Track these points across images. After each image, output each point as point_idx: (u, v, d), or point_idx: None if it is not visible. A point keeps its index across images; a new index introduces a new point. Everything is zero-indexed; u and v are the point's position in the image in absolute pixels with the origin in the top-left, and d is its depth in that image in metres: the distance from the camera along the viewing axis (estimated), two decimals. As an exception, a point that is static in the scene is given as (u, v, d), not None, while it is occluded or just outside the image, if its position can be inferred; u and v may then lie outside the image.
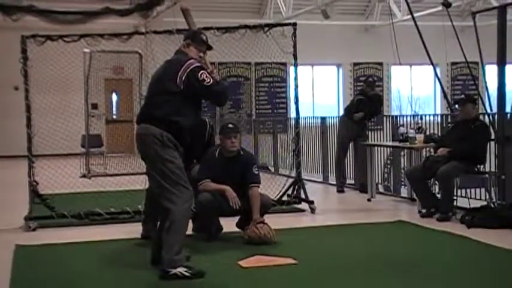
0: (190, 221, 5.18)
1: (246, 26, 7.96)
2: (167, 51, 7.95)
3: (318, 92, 22.50)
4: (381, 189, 9.92)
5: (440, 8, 10.32)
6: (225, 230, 6.38)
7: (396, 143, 8.83)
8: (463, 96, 7.80)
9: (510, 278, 4.80)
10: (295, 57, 8.00)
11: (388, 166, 10.46)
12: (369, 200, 8.86)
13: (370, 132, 10.37)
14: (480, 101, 8.59)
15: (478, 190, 7.84)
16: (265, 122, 16.60)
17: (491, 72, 8.92)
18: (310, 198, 8.03)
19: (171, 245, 4.71)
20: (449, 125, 8.58)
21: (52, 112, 11.15)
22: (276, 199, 7.83)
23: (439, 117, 9.39)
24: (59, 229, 7.06)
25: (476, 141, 7.21)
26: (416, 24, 8.95)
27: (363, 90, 10.28)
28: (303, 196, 8.08)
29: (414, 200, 8.11)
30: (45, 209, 7.29)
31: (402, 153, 9.38)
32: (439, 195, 7.42)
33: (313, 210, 7.90)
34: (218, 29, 7.71)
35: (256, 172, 6.26)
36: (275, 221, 6.91)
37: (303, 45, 8.37)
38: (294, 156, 8.33)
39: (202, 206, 5.88)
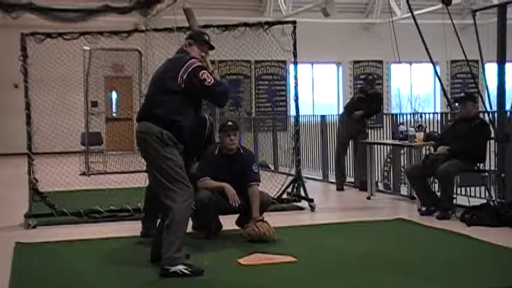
0: (189, 218, 5.17)
1: (245, 24, 7.95)
2: (167, 49, 7.96)
3: (318, 90, 22.49)
4: (380, 187, 9.93)
5: (440, 6, 10.32)
6: (224, 227, 6.38)
7: (396, 141, 8.82)
8: (463, 94, 7.81)
9: (510, 276, 4.80)
10: (295, 55, 8.00)
11: (388, 164, 10.47)
12: (368, 198, 8.86)
13: (370, 130, 10.37)
14: (480, 99, 8.60)
15: (477, 188, 7.85)
16: (265, 120, 16.60)
17: (491, 70, 8.93)
18: (310, 196, 8.03)
19: (171, 243, 4.71)
20: (449, 123, 8.58)
21: (52, 110, 11.14)
22: (275, 197, 7.83)
23: (439, 115, 9.40)
24: (59, 227, 7.06)
25: (476, 139, 7.21)
26: (416, 22, 8.95)
27: (363, 88, 10.29)
28: (302, 194, 8.08)
29: (414, 198, 8.12)
30: (45, 207, 7.29)
31: (402, 151, 9.38)
32: (438, 194, 7.42)
33: (312, 208, 7.90)
34: (218, 26, 7.71)
35: (256, 171, 6.26)
36: (275, 219, 6.91)
37: (302, 44, 8.37)
38: (293, 154, 8.33)
39: (202, 203, 5.87)
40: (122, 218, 7.29)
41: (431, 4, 17.35)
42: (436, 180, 7.53)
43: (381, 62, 22.34)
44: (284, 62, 20.09)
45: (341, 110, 13.00)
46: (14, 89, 16.67)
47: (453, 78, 22.98)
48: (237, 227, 6.35)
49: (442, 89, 15.13)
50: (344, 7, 20.55)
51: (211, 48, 5.29)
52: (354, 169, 10.33)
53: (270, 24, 8.17)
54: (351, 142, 10.09)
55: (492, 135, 7.57)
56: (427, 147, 8.13)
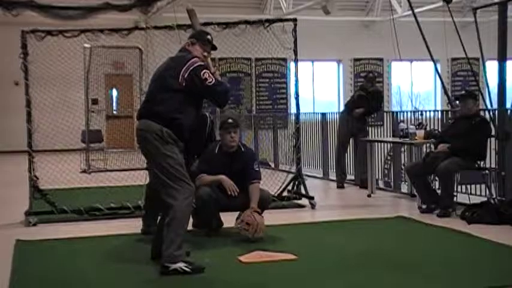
0: (190, 216, 5.17)
1: (246, 22, 7.95)
2: (167, 46, 7.97)
3: (318, 88, 22.49)
4: (381, 185, 9.93)
5: (441, 3, 10.30)
6: (225, 225, 6.38)
7: (396, 139, 8.82)
8: (463, 92, 7.82)
9: (510, 274, 4.80)
10: (295, 52, 7.99)
11: (388, 162, 10.47)
12: (369, 195, 8.87)
13: (370, 128, 10.37)
14: (481, 97, 8.59)
15: (478, 186, 7.85)
16: (266, 117, 16.60)
17: (491, 68, 8.91)
18: (310, 193, 8.03)
19: (171, 240, 4.71)
20: (449, 120, 8.57)
21: (52, 107, 11.15)
22: (276, 195, 7.84)
23: (440, 113, 9.40)
24: (59, 224, 7.07)
25: (476, 137, 7.21)
26: (416, 20, 8.94)
27: (363, 86, 10.28)
28: (303, 192, 8.08)
29: (414, 195, 8.12)
30: (46, 204, 7.29)
31: (402, 149, 9.38)
32: (439, 191, 7.42)
33: (313, 206, 7.91)
34: (218, 24, 7.71)
35: (257, 169, 6.26)
36: (275, 217, 6.92)
37: (303, 41, 8.36)
38: (294, 152, 8.33)
39: (202, 200, 5.87)
40: (123, 215, 7.29)
41: (432, 2, 17.33)
42: (437, 178, 7.53)
43: (381, 59, 22.33)
44: (284, 59, 20.09)
45: (341, 108, 12.99)
46: (14, 86, 16.67)
47: (454, 76, 22.97)
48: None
49: (443, 86, 15.10)
50: (344, 5, 20.54)
51: (214, 48, 5.30)
52: (354, 167, 10.32)
53: (271, 21, 8.18)
54: (351, 140, 10.08)
55: (492, 133, 7.57)
56: (428, 145, 8.13)
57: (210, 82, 4.87)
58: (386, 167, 10.64)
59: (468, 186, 7.73)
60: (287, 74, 20.86)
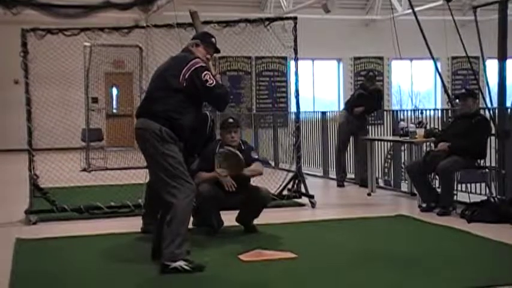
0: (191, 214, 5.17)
1: (246, 20, 7.95)
2: (168, 45, 7.97)
3: (319, 87, 22.50)
4: (381, 183, 9.93)
5: (441, 2, 10.32)
6: (225, 224, 6.37)
7: (396, 138, 8.82)
8: (463, 90, 7.80)
9: (510, 273, 4.80)
10: (295, 51, 7.99)
11: (389, 160, 10.47)
12: (369, 194, 8.87)
13: (370, 127, 10.37)
14: (481, 96, 8.59)
15: (478, 185, 7.85)
16: (266, 116, 16.60)
17: (491, 66, 8.91)
18: (311, 192, 8.03)
19: (172, 239, 4.71)
20: (449, 119, 8.57)
21: (52, 106, 11.13)
22: (276, 193, 7.84)
23: (440, 111, 9.39)
24: (60, 223, 7.07)
25: (476, 135, 7.21)
26: (417, 19, 8.93)
27: (364, 85, 10.28)
28: (303, 190, 8.08)
29: (414, 194, 8.12)
30: (46, 203, 7.29)
31: (402, 147, 9.39)
32: (439, 190, 7.42)
33: (313, 205, 7.91)
34: (219, 22, 7.71)
35: (256, 156, 6.30)
36: (275, 216, 6.94)
37: (303, 40, 8.36)
38: (294, 151, 8.33)
39: (202, 197, 5.85)
40: (123, 214, 7.30)
41: (432, 0, 17.33)
42: (437, 177, 7.53)
43: (381, 58, 22.33)
44: (285, 58, 20.09)
45: (342, 107, 12.99)
46: (14, 85, 16.66)
47: (454, 74, 22.97)
48: (237, 224, 6.35)
49: (443, 85, 15.13)
50: (344, 3, 20.54)
51: (217, 51, 5.28)
52: (354, 165, 10.32)
53: (271, 20, 8.17)
54: (351, 138, 10.08)
55: (493, 131, 7.57)
56: (428, 143, 8.12)
57: (210, 84, 4.86)
58: (386, 165, 10.64)
59: (468, 185, 7.73)
60: (287, 72, 20.87)
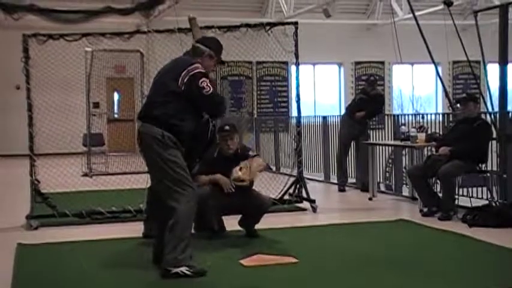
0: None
1: (247, 25, 7.95)
2: (169, 50, 7.97)
3: (320, 91, 22.51)
4: (382, 188, 9.92)
5: (441, 6, 10.31)
6: (226, 228, 6.37)
7: (398, 142, 8.82)
8: (464, 95, 7.82)
9: (511, 277, 4.79)
10: (296, 56, 8.00)
11: (390, 165, 10.46)
12: (370, 199, 8.86)
13: (371, 131, 10.37)
14: (482, 100, 8.59)
15: (479, 189, 7.84)
16: (267, 121, 16.60)
17: (492, 71, 8.91)
18: (312, 197, 8.03)
19: (175, 245, 4.69)
20: (450, 123, 8.57)
21: (54, 111, 11.16)
22: (277, 198, 7.84)
23: (441, 116, 9.39)
24: (61, 228, 7.06)
25: (477, 140, 7.21)
26: (417, 23, 8.94)
27: (365, 89, 10.29)
28: (304, 195, 8.07)
29: (416, 199, 8.11)
30: (47, 208, 7.29)
31: (404, 152, 9.38)
32: (440, 194, 7.42)
33: (314, 209, 7.90)
34: (220, 27, 7.71)
35: (253, 154, 6.21)
36: (277, 220, 6.93)
37: (304, 44, 8.37)
38: (295, 155, 8.32)
39: (202, 199, 5.83)
40: (124, 219, 7.30)
41: (432, 5, 17.34)
42: (438, 181, 7.53)
43: (382, 62, 22.34)
44: (286, 62, 20.09)
45: (343, 111, 12.99)
46: (15, 90, 16.67)
47: (455, 79, 22.97)
48: (239, 228, 6.35)
49: (444, 89, 15.10)
50: (345, 8, 20.56)
51: (222, 63, 5.22)
52: (355, 170, 10.32)
53: (272, 25, 8.18)
54: (352, 143, 10.08)
55: (494, 136, 7.56)
56: (429, 148, 8.12)
57: (207, 91, 4.79)
58: (387, 170, 10.63)
59: (469, 189, 7.71)
60: (288, 77, 20.88)
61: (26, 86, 7.45)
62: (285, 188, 8.10)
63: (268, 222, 6.52)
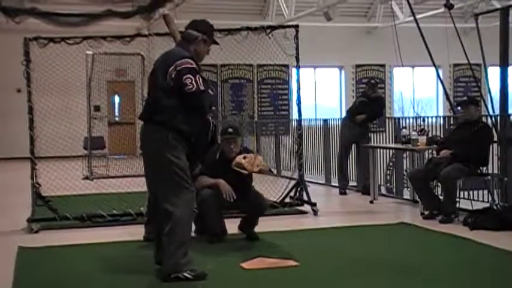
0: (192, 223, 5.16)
1: (248, 28, 7.96)
2: (169, 53, 7.94)
3: (320, 94, 22.50)
4: (383, 191, 9.91)
5: (442, 9, 10.31)
6: (227, 231, 6.37)
7: (399, 145, 8.82)
8: (465, 98, 7.81)
9: (513, 280, 4.79)
10: (297, 59, 8.00)
11: (391, 168, 10.45)
12: (371, 202, 8.85)
13: (372, 134, 10.37)
14: (483, 103, 8.59)
15: (480, 192, 7.83)
16: (268, 124, 16.60)
17: (493, 74, 8.92)
18: (313, 200, 8.02)
19: (175, 248, 4.67)
20: (451, 126, 8.57)
21: (54, 114, 11.16)
22: (278, 201, 7.84)
23: (442, 119, 9.40)
24: (62, 231, 7.06)
25: (478, 143, 7.20)
26: (418, 26, 8.94)
27: (365, 92, 10.28)
28: (305, 198, 8.07)
29: (417, 202, 8.11)
30: (48, 211, 7.29)
31: (404, 155, 9.38)
32: (441, 197, 7.41)
33: (315, 212, 7.90)
34: (220, 31, 7.71)
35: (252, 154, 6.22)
36: (277, 223, 6.93)
37: (305, 47, 8.37)
38: (296, 158, 8.32)
39: (204, 200, 5.83)
40: (125, 222, 7.29)
41: (433, 8, 17.34)
42: (439, 184, 7.52)
43: (383, 65, 22.34)
44: (286, 66, 20.10)
45: (343, 114, 12.99)
46: (16, 93, 16.68)
47: (456, 81, 22.96)
48: (239, 232, 6.34)
49: (445, 92, 15.11)
50: (346, 11, 20.55)
51: (216, 43, 5.11)
52: (356, 173, 10.31)
53: (273, 28, 8.18)
54: (353, 146, 10.08)
55: (495, 139, 7.56)
56: (430, 151, 8.12)
57: (189, 89, 4.65)
58: (388, 173, 10.62)
59: (471, 192, 7.71)
60: (289, 80, 20.88)
61: (27, 89, 7.46)
62: (286, 191, 8.11)
63: (268, 225, 6.51)
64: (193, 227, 5.41)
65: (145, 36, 8.55)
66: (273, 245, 6.02)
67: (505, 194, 7.46)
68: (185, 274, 4.67)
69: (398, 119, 10.22)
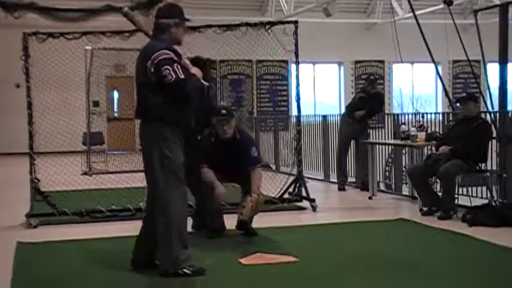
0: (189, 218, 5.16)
1: (247, 24, 7.94)
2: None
3: (320, 90, 22.51)
4: (382, 187, 9.92)
5: (442, 5, 10.31)
6: (226, 227, 6.37)
7: (398, 141, 8.82)
8: (464, 94, 7.81)
9: (511, 277, 4.79)
10: (296, 55, 7.99)
11: (390, 164, 10.46)
12: (370, 198, 8.86)
13: (371, 130, 10.37)
14: (482, 99, 8.59)
15: (479, 188, 7.84)
16: (267, 119, 16.61)
17: (492, 70, 8.91)
18: (311, 196, 8.02)
19: (173, 244, 4.66)
20: (450, 123, 8.57)
21: (53, 109, 11.14)
22: (277, 197, 7.84)
23: (441, 115, 9.39)
24: (60, 226, 7.06)
25: (477, 139, 7.20)
26: (417, 22, 8.94)
27: (364, 89, 10.28)
28: (304, 194, 8.07)
29: (415, 198, 8.11)
30: (47, 206, 7.29)
31: (403, 151, 9.37)
32: (440, 194, 7.42)
33: (314, 208, 7.90)
34: (219, 26, 7.71)
35: (255, 154, 6.16)
36: (276, 219, 6.93)
37: (304, 43, 8.36)
38: (295, 154, 8.32)
39: (203, 199, 5.82)
40: (124, 217, 7.28)
41: (433, 4, 17.34)
42: (438, 180, 7.53)
43: (382, 61, 22.34)
44: (286, 61, 20.08)
45: (342, 110, 12.99)
46: (15, 88, 16.67)
47: (455, 78, 22.96)
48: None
49: (444, 89, 15.11)
50: (345, 7, 20.55)
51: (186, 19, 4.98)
52: (355, 169, 10.32)
53: (272, 24, 8.17)
54: (352, 142, 10.08)
55: (494, 135, 7.56)
56: (429, 147, 8.12)
57: (169, 80, 4.57)
58: (387, 169, 10.63)
59: (469, 189, 7.71)
60: (288, 76, 20.87)
61: (25, 85, 7.45)
62: (285, 187, 8.11)
63: (267, 221, 6.52)
64: (190, 223, 5.42)
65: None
66: (271, 241, 6.02)
67: (504, 191, 7.47)
68: (184, 270, 4.67)
69: (398, 115, 10.22)
